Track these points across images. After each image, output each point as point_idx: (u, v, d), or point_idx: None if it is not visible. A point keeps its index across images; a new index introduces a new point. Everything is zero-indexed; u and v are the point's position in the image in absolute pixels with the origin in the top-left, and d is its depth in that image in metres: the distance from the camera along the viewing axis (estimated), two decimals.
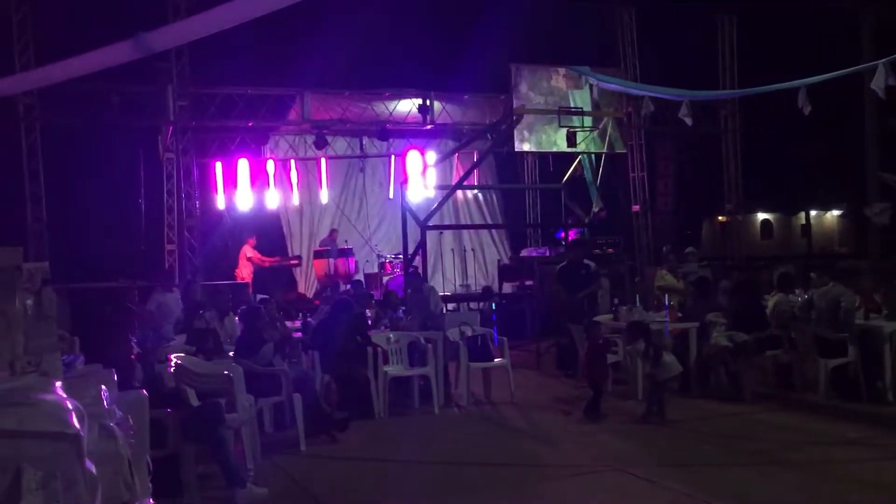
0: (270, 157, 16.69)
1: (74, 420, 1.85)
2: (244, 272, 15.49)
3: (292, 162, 17.09)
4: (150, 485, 3.28)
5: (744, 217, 21.73)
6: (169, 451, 5.68)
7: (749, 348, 9.34)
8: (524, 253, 18.61)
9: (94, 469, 1.87)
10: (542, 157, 18.70)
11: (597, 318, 9.86)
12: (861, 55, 16.22)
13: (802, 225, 35.71)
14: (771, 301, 10.09)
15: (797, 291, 10.91)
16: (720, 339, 9.42)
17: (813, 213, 35.46)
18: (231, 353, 7.88)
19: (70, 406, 1.89)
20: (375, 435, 8.22)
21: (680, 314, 10.12)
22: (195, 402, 6.35)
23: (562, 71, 15.43)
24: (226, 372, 6.88)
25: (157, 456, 5.35)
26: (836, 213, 35.57)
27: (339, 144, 17.67)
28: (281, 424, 8.05)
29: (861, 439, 7.57)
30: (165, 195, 15.55)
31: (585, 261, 11.54)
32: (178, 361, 6.92)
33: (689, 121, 10.93)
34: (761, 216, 35.78)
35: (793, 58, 17.59)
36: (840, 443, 7.46)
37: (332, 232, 17.04)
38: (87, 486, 1.81)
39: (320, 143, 16.11)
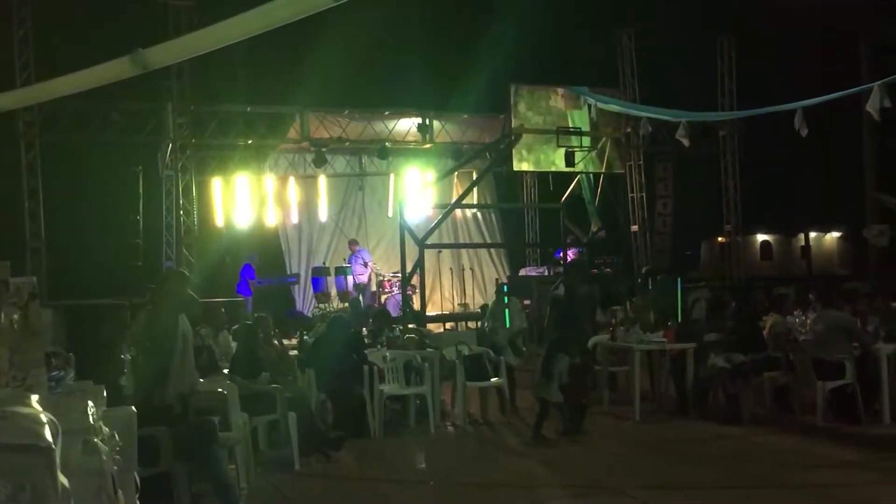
0: (270, 175, 16.73)
1: (47, 433, 1.83)
2: None
3: (291, 179, 17.12)
4: (139, 502, 3.24)
5: (743, 238, 21.74)
6: (161, 469, 5.63)
7: (747, 370, 9.28)
8: (523, 272, 18.62)
9: (67, 483, 1.85)
10: (541, 176, 18.74)
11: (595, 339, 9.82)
12: (860, 76, 16.31)
13: (802, 246, 35.66)
14: (768, 322, 10.06)
15: (795, 313, 10.88)
16: (718, 360, 9.37)
17: (812, 234, 35.40)
18: (226, 371, 7.84)
19: (44, 419, 1.88)
20: (370, 454, 8.17)
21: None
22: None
23: (560, 91, 15.53)
24: (220, 390, 6.84)
25: (148, 473, 5.33)
26: (835, 234, 35.54)
27: (339, 162, 17.72)
28: (275, 443, 7.99)
29: (859, 462, 7.52)
30: (164, 212, 15.57)
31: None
32: None
33: (685, 141, 10.97)
34: (761, 237, 35.71)
35: (791, 79, 17.68)
36: (838, 465, 7.40)
37: (352, 244, 17.05)
38: (61, 499, 1.79)
39: (320, 162, 16.16)
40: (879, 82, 7.87)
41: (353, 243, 17.08)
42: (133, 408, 3.72)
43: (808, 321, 10.21)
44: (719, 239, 21.80)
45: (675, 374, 10.04)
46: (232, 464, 6.50)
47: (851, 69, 17.85)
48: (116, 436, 2.76)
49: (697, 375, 9.61)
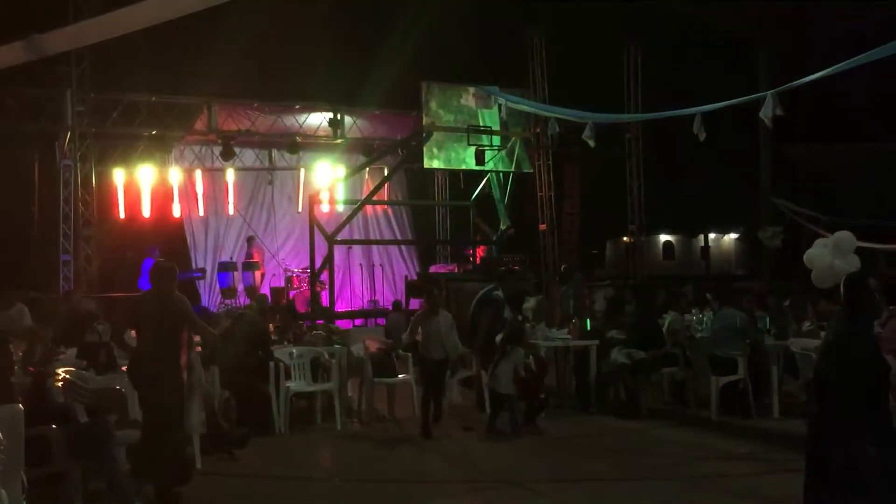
0: (175, 167, 16.30)
1: None
2: None
3: (198, 172, 16.74)
4: (26, 502, 3.14)
5: (646, 238, 22.40)
6: (54, 469, 5.45)
7: (646, 366, 9.59)
8: (433, 269, 18.69)
9: None
10: (452, 174, 18.85)
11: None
12: (757, 84, 17.00)
13: (702, 247, 36.99)
14: (667, 320, 10.42)
15: (693, 311, 11.30)
16: (619, 356, 9.65)
17: (712, 235, 36.77)
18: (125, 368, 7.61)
19: None
20: (275, 452, 8.08)
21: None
22: (84, 418, 6.11)
23: (471, 90, 15.66)
24: (118, 387, 6.65)
25: (40, 473, 5.15)
26: (733, 236, 36.99)
27: (248, 156, 17.40)
28: None
29: (749, 454, 7.87)
30: (62, 203, 14.96)
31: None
32: (67, 376, 6.65)
33: (591, 142, 11.23)
34: (663, 237, 36.91)
35: (694, 84, 18.27)
36: (729, 457, 7.73)
37: (250, 240, 16.75)
38: None
39: (228, 155, 15.84)
40: (772, 91, 8.23)
41: (251, 240, 16.81)
42: (20, 406, 3.59)
43: (705, 319, 10.64)
44: (624, 239, 22.38)
45: (577, 369, 10.31)
46: (128, 462, 6.33)
47: (750, 77, 18.60)
48: (0, 435, 2.66)
49: (599, 371, 9.89)
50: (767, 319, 10.22)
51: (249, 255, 16.43)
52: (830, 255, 11.54)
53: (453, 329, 8.85)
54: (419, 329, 8.81)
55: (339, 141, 16.73)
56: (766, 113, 8.11)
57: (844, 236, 12.30)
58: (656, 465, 7.47)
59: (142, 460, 6.12)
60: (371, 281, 18.38)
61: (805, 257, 12.57)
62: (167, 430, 6.08)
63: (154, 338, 6.18)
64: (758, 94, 8.56)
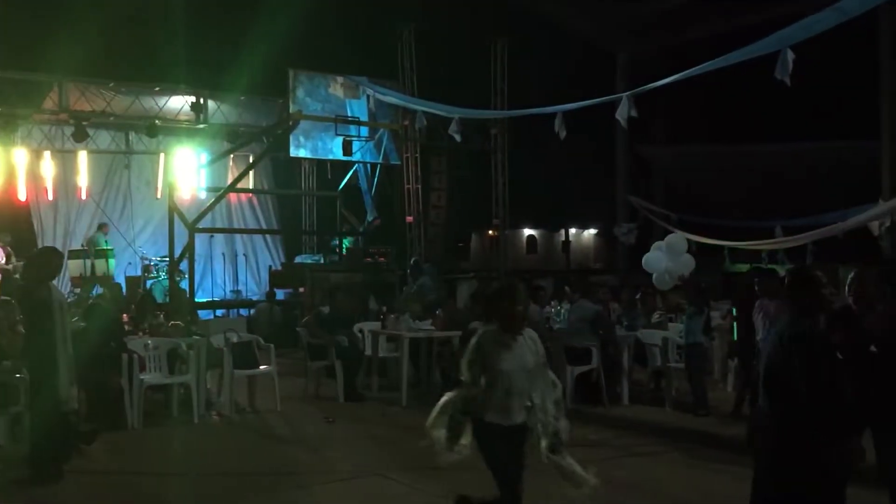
0: (21, 147, 15.31)
1: None
2: None
3: (47, 153, 15.81)
4: None
5: (510, 232, 22.93)
6: None
7: None
8: (298, 259, 18.47)
9: None
10: (319, 164, 18.67)
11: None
12: (615, 86, 17.73)
13: (563, 241, 38.27)
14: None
15: (552, 303, 11.70)
16: None
17: (572, 230, 38.12)
18: None
19: None
20: (127, 447, 7.78)
21: None
22: None
23: (340, 79, 15.54)
24: None
25: None
26: (592, 231, 38.45)
27: (102, 138, 16.58)
28: (19, 437, 7.38)
29: (601, 440, 8.21)
30: None
31: None
32: None
33: (458, 137, 11.40)
34: (527, 232, 37.93)
35: (558, 84, 18.83)
36: (581, 444, 8.01)
37: (101, 227, 15.97)
38: None
39: (80, 136, 15.01)
40: (627, 93, 8.62)
41: (103, 226, 16.08)
42: None
43: (562, 311, 11.04)
44: (489, 232, 22.82)
45: (440, 360, 10.46)
46: None
47: (610, 79, 19.37)
48: None
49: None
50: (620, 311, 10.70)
51: (97, 243, 15.68)
52: (665, 257, 12.27)
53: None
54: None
55: (201, 126, 16.20)
56: (621, 114, 8.48)
57: (676, 239, 13.12)
58: None
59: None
60: (234, 271, 17.96)
61: (643, 261, 13.30)
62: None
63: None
64: (614, 96, 8.93)
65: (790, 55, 7.04)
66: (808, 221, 13.69)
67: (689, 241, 13.96)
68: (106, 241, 15.92)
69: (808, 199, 15.90)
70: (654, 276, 13.02)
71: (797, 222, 14.64)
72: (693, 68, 8.20)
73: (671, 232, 15.88)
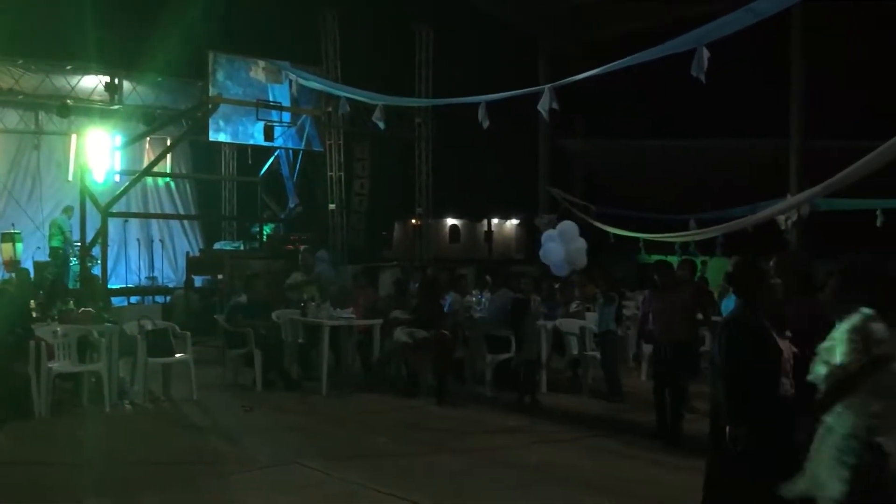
0: None
1: None
2: None
3: None
4: None
5: (434, 221, 22.98)
6: None
7: (427, 344, 9.88)
8: (217, 246, 18.14)
9: None
10: (240, 149, 18.35)
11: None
12: (538, 78, 17.91)
13: (486, 231, 38.57)
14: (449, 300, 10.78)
15: (473, 292, 11.79)
16: (401, 335, 9.87)
17: (495, 220, 38.45)
18: None
19: None
20: (34, 437, 7.55)
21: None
22: None
23: (261, 63, 15.29)
24: None
25: None
26: (514, 222, 38.88)
27: (10, 117, 15.94)
28: None
29: (519, 427, 8.35)
30: None
31: None
32: None
33: (381, 124, 11.34)
34: (450, 221, 38.10)
35: (483, 73, 18.94)
36: (500, 431, 8.17)
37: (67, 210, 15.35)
38: None
39: None
40: (549, 85, 8.72)
41: (68, 209, 15.46)
42: None
43: (483, 300, 11.14)
44: (412, 221, 22.83)
45: (361, 348, 10.46)
46: None
47: (534, 71, 19.55)
48: None
49: (382, 350, 10.08)
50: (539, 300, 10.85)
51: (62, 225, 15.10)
52: (560, 245, 12.59)
53: None
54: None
55: (116, 107, 15.70)
56: (543, 106, 8.57)
57: (567, 226, 13.48)
58: (434, 440, 7.74)
59: None
60: (150, 257, 17.50)
61: (540, 254, 13.61)
62: None
63: None
64: (536, 88, 9.02)
65: (705, 53, 7.23)
66: (720, 215, 14.12)
67: (606, 232, 14.29)
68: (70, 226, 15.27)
69: (721, 193, 16.43)
70: (551, 267, 13.34)
71: (710, 215, 15.09)
72: (611, 63, 8.34)
73: (590, 224, 16.22)
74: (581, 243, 13.17)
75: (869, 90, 16.93)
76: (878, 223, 14.17)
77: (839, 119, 17.25)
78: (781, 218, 14.44)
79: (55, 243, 15.01)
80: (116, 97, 15.45)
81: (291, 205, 17.84)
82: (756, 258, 4.56)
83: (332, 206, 18.81)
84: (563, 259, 13.26)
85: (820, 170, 8.18)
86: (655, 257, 12.97)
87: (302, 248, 13.79)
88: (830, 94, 17.36)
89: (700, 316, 8.31)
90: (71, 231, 15.16)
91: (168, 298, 15.78)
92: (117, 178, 15.84)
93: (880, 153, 5.89)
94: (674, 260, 10.39)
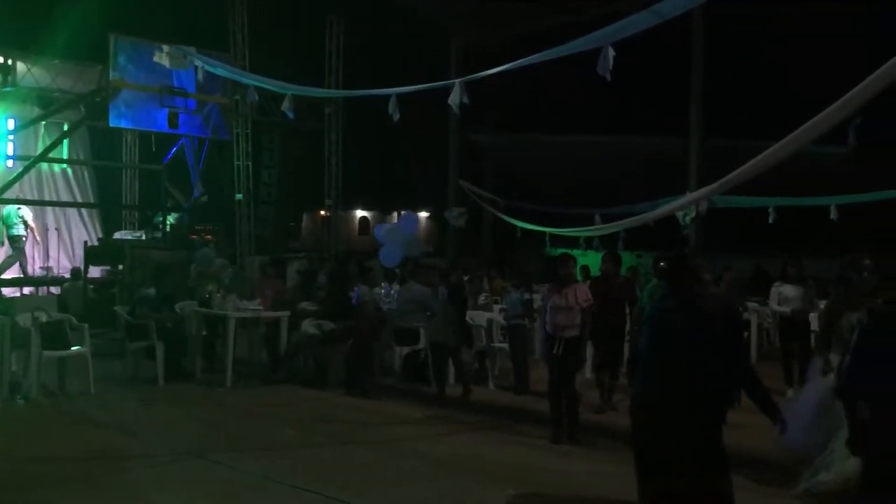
0: None
1: None
2: None
3: None
4: None
5: (343, 213, 22.83)
6: None
7: (335, 337, 9.84)
8: (117, 235, 17.54)
9: None
10: (143, 135, 17.76)
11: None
12: (450, 72, 17.99)
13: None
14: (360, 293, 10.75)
15: (382, 284, 11.79)
16: (309, 327, 9.80)
17: (405, 213, 38.39)
18: None
19: None
20: None
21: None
22: None
23: (166, 48, 14.78)
24: None
25: None
26: (424, 214, 38.94)
27: None
28: None
29: (426, 419, 8.40)
30: None
31: None
32: None
33: (290, 114, 11.17)
34: (360, 213, 37.91)
35: (394, 66, 18.90)
36: (408, 422, 8.21)
37: None
38: None
39: None
40: (459, 80, 8.76)
41: None
42: None
43: (393, 292, 11.15)
44: (321, 212, 22.62)
45: (268, 340, 10.33)
46: None
47: (446, 64, 19.62)
48: None
49: (290, 342, 9.98)
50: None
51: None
52: (398, 242, 12.96)
53: None
54: None
55: (8, 89, 14.97)
56: (454, 100, 8.58)
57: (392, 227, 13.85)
58: (341, 431, 7.73)
59: None
60: (45, 246, 16.76)
61: (381, 255, 14.01)
62: None
63: None
64: (447, 82, 9.04)
65: (611, 52, 7.38)
66: (623, 210, 14.49)
67: (514, 225, 14.47)
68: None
69: (624, 189, 16.88)
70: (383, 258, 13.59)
71: (613, 211, 15.48)
72: (521, 60, 8.43)
73: (499, 217, 16.42)
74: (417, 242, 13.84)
75: (765, 92, 17.72)
76: (771, 220, 14.80)
77: (737, 118, 17.99)
78: (680, 214, 14.93)
79: None
80: (9, 79, 14.73)
81: (196, 194, 17.39)
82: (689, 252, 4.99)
83: (239, 197, 18.48)
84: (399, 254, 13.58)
85: (718, 167, 8.50)
86: (561, 251, 13.21)
87: (196, 239, 13.51)
88: (729, 94, 18.09)
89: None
90: None
91: (63, 288, 15.17)
92: (10, 163, 15.13)
93: (774, 151, 6.15)
94: (578, 253, 10.62)
